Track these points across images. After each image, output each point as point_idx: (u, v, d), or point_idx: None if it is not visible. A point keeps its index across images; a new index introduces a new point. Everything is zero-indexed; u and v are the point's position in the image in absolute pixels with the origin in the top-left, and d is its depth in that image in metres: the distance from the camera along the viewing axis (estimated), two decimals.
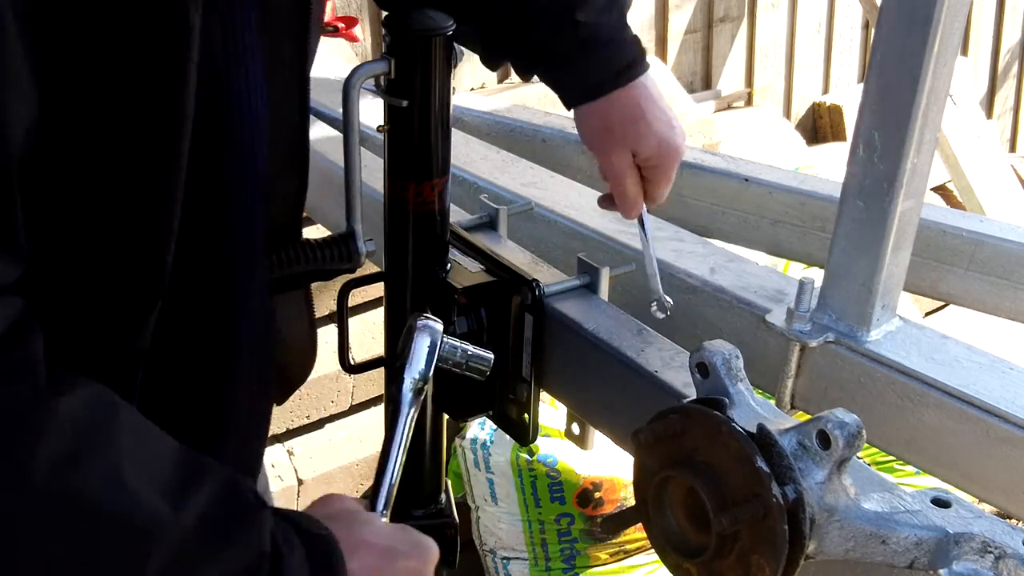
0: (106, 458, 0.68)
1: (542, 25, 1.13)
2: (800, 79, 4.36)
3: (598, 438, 1.19)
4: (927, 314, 3.70)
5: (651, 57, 3.83)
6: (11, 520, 0.65)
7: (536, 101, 2.79)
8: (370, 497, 0.93)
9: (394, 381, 0.97)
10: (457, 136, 1.63)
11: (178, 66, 0.73)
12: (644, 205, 1.21)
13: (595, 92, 1.16)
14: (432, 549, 0.88)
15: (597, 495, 2.39)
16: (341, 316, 1.21)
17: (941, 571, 0.77)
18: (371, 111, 1.11)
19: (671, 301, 1.20)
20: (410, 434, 0.95)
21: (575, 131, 1.21)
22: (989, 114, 5.08)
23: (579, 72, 1.16)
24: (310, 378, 1.17)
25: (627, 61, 1.16)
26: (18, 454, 0.64)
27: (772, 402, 0.98)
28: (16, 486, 0.65)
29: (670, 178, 1.20)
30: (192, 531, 0.71)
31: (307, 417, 2.43)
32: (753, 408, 0.85)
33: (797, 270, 2.60)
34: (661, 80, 3.50)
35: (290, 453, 2.41)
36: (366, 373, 1.30)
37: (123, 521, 0.68)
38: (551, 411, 2.35)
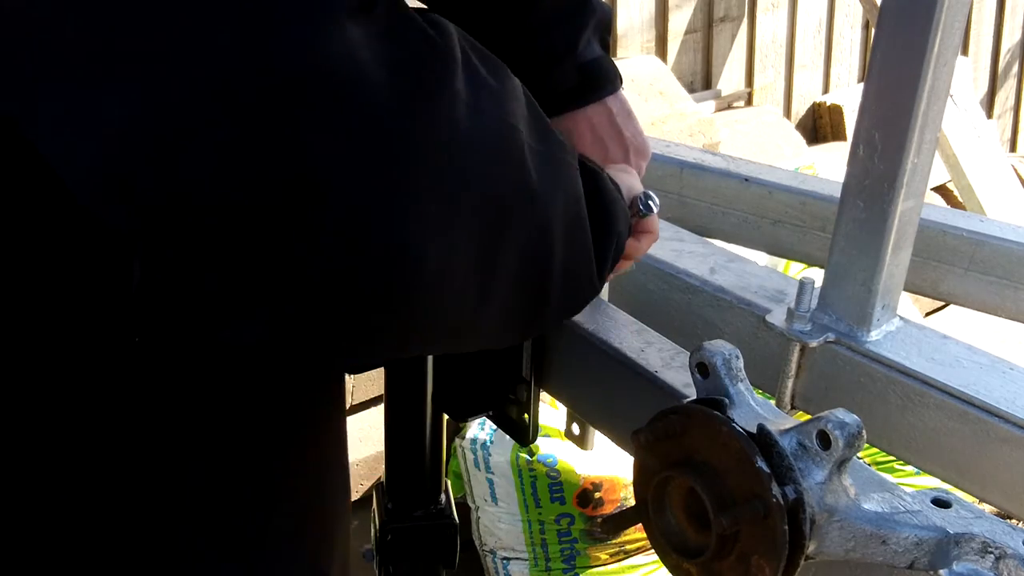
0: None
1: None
2: (800, 79, 4.37)
3: (598, 438, 1.19)
4: (927, 314, 3.70)
5: (651, 57, 3.84)
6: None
7: None
8: None
9: None
10: None
11: None
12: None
13: None
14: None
15: (597, 495, 2.39)
16: None
17: (941, 571, 0.77)
18: None
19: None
20: None
21: None
22: (989, 114, 5.09)
23: None
24: None
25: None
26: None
27: (772, 402, 0.98)
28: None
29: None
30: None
31: None
32: (753, 408, 0.85)
33: (797, 270, 2.60)
34: (661, 80, 3.50)
35: None
36: (366, 373, 1.30)
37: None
38: (551, 411, 2.35)
